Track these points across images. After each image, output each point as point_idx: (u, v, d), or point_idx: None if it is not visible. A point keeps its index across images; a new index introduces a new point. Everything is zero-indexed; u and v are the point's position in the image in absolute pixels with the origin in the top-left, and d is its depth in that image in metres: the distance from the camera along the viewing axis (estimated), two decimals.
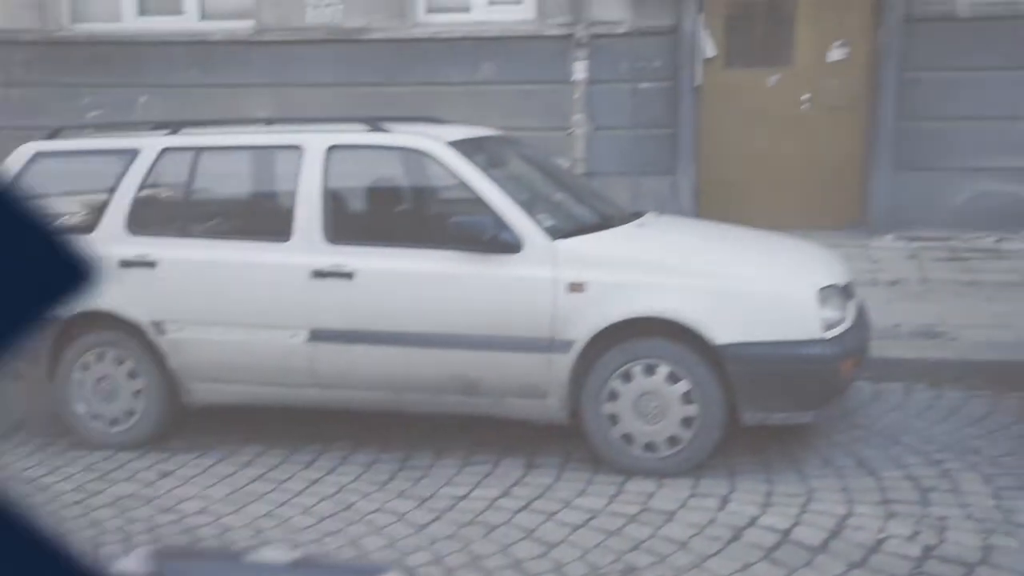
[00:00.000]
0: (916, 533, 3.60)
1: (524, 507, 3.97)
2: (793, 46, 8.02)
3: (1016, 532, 3.58)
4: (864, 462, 4.26)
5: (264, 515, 3.99)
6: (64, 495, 4.25)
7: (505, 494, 4.10)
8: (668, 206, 7.85)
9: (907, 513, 3.76)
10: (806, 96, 8.05)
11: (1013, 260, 7.20)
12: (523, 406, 4.35)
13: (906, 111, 7.76)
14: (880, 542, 3.55)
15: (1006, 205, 7.77)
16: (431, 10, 8.45)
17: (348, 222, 4.62)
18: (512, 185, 4.58)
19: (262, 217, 4.93)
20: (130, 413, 4.75)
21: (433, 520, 3.88)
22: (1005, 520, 3.67)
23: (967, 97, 7.68)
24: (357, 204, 4.90)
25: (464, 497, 4.08)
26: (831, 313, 4.14)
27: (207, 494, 4.21)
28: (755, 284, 4.15)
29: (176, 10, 8.79)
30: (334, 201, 4.52)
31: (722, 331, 4.04)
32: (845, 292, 4.37)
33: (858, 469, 4.20)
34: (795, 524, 3.72)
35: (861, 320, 4.48)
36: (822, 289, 4.14)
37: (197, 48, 8.68)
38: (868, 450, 4.39)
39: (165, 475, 4.44)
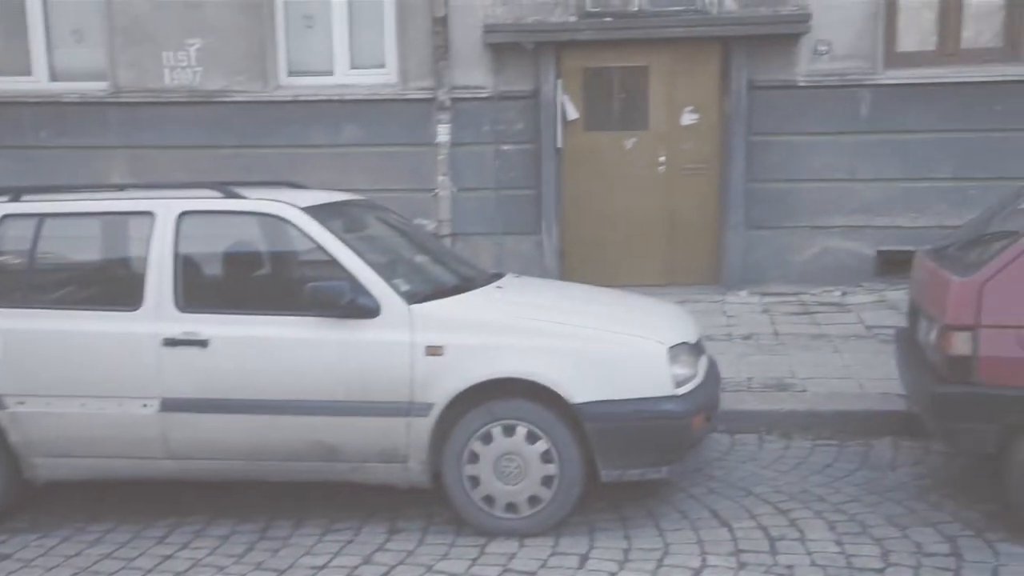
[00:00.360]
0: None
1: (385, 575, 3.92)
2: (648, 111, 8.37)
3: None
4: (718, 514, 4.39)
5: None
6: None
7: (366, 561, 4.04)
8: (533, 266, 8.01)
9: (757, 563, 3.89)
10: (662, 158, 8.38)
11: (856, 312, 7.62)
12: (384, 471, 4.32)
13: (754, 173, 8.17)
14: None
15: (848, 261, 8.25)
16: (293, 73, 8.45)
17: (201, 289, 4.53)
18: (370, 250, 4.58)
19: (111, 285, 4.78)
20: None
21: None
22: (847, 565, 3.83)
23: (809, 160, 8.15)
24: (211, 271, 4.81)
25: (324, 567, 4.00)
26: (682, 370, 4.27)
27: None
28: (608, 343, 4.25)
29: (24, 71, 8.54)
30: (186, 268, 4.43)
31: (578, 390, 4.12)
32: (696, 349, 4.52)
33: (712, 521, 4.32)
34: None
35: (711, 375, 4.64)
36: (672, 347, 4.27)
37: (48, 109, 8.43)
38: (722, 502, 4.53)
39: (3, 559, 4.20)
